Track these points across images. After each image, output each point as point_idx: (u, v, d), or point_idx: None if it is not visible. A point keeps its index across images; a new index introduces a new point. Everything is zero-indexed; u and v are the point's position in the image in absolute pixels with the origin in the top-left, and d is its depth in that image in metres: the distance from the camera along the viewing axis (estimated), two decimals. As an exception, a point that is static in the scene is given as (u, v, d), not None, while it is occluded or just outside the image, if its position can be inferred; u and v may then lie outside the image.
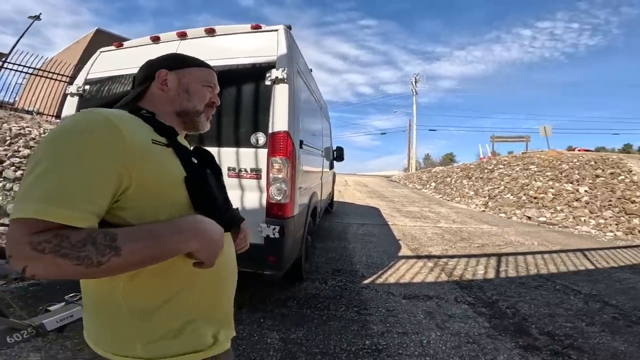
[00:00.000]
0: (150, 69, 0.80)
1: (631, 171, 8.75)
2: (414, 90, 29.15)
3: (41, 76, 8.72)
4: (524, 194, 9.25)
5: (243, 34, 2.51)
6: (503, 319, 2.70)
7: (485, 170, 12.98)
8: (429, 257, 4.46)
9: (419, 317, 2.74)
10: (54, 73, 8.84)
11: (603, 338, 2.36)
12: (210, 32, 2.57)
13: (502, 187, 10.47)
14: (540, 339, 2.36)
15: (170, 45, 2.65)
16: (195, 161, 0.74)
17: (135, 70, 0.84)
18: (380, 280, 3.57)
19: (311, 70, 4.05)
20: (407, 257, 4.43)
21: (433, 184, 15.70)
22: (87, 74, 2.91)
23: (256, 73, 2.29)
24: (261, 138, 2.24)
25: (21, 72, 8.60)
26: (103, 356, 0.68)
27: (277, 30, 2.43)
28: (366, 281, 3.54)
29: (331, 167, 6.23)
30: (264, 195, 2.28)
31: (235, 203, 2.50)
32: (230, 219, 0.77)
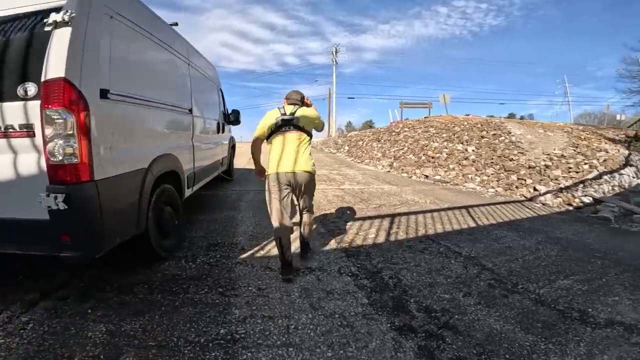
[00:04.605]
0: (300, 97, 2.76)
1: (510, 133, 9.78)
2: (334, 60, 30.80)
3: None
4: (424, 154, 9.72)
5: None
6: (383, 292, 2.44)
7: (393, 134, 13.43)
8: (322, 222, 4.12)
9: (294, 295, 2.35)
10: None
11: (479, 313, 2.20)
12: None
13: (406, 149, 10.89)
14: (417, 317, 2.12)
15: None
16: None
17: None
18: (261, 253, 3.08)
19: (176, 24, 3.63)
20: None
21: (347, 147, 15.84)
22: None
23: (38, 21, 1.95)
24: (31, 88, 1.86)
25: None
26: (305, 171, 2.55)
27: None
28: (244, 255, 3.02)
29: (221, 130, 5.46)
30: (42, 157, 1.78)
31: (7, 170, 1.80)
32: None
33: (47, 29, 1.84)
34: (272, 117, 2.57)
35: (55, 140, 1.73)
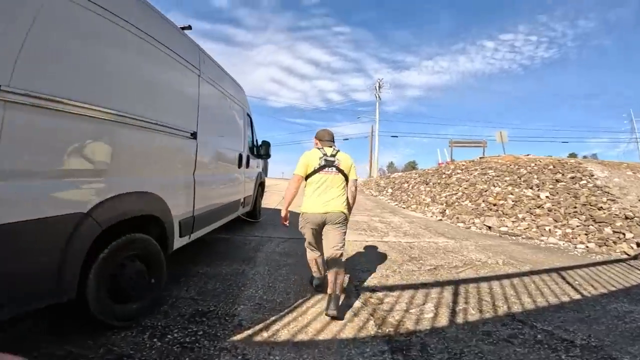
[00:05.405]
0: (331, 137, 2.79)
1: (593, 175, 8.10)
2: (377, 96, 29.60)
3: None
4: (483, 201, 8.30)
5: None
6: None
7: (443, 176, 12.13)
8: (358, 289, 3.07)
9: None
10: None
11: None
12: None
13: (460, 193, 9.52)
14: None
15: None
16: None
17: None
18: (263, 336, 2.11)
19: (189, 28, 3.11)
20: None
21: (390, 190, 14.70)
22: None
23: None
24: None
25: None
26: (341, 211, 2.58)
27: None
28: (238, 336, 2.08)
29: (244, 164, 4.68)
30: None
31: None
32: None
33: None
34: (315, 157, 2.63)
35: None
